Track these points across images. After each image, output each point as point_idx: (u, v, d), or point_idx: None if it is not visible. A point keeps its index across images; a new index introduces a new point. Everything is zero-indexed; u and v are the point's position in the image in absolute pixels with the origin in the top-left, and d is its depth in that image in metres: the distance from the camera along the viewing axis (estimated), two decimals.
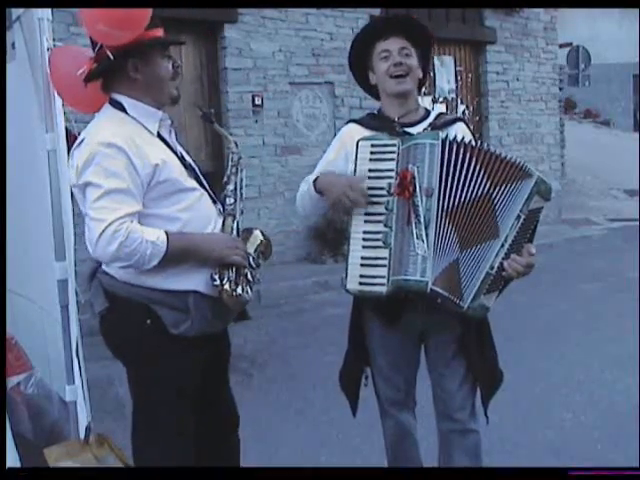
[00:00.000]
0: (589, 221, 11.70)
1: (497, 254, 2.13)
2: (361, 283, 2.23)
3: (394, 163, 2.18)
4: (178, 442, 2.21)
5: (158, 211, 2.14)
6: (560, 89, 12.18)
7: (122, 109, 2.19)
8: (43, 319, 2.85)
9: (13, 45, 2.80)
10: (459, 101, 10.35)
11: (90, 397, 2.82)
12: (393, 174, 2.18)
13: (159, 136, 2.22)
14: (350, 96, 8.70)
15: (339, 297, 6.65)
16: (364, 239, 2.23)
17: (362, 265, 2.23)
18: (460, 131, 2.35)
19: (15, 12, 2.70)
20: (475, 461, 2.42)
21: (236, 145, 2.37)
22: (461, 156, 2.12)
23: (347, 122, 2.51)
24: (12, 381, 2.72)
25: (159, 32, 2.22)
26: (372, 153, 2.23)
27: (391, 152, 2.20)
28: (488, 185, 2.12)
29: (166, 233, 2.08)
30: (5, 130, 2.78)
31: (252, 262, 2.25)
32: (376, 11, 8.76)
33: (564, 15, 14.24)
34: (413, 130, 2.34)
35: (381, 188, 2.20)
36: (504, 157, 2.13)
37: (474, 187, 2.13)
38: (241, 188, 2.32)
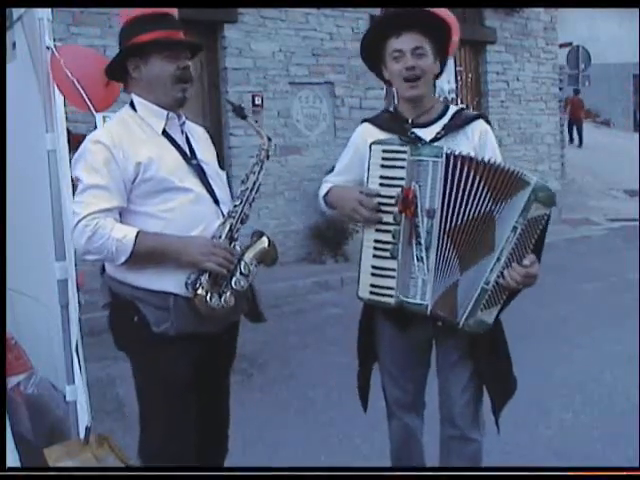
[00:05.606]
0: (589, 221, 11.70)
1: (492, 269, 2.09)
2: (372, 292, 2.24)
3: (404, 171, 2.14)
4: (163, 433, 2.21)
5: (143, 209, 2.15)
6: (560, 89, 12.18)
7: (134, 108, 2.24)
8: (48, 318, 2.85)
9: (14, 45, 2.79)
10: (459, 101, 10.35)
11: (90, 397, 2.82)
12: (403, 183, 2.14)
13: (165, 134, 2.23)
14: (350, 96, 8.71)
15: (339, 297, 6.70)
16: (374, 248, 2.23)
17: (373, 274, 2.23)
18: (477, 130, 2.30)
19: (16, 12, 2.70)
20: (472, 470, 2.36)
21: (269, 140, 2.29)
22: (465, 173, 2.07)
23: (362, 121, 2.45)
24: (12, 381, 2.73)
25: (167, 34, 2.17)
26: (383, 159, 2.19)
27: (401, 159, 2.15)
28: (490, 202, 2.08)
29: (138, 232, 2.08)
30: (5, 130, 2.78)
31: (242, 269, 2.17)
32: (376, 11, 8.76)
33: (564, 15, 14.24)
34: (426, 131, 2.28)
35: (391, 197, 2.17)
36: (504, 168, 2.07)
37: (477, 206, 2.08)
38: (253, 190, 2.24)
